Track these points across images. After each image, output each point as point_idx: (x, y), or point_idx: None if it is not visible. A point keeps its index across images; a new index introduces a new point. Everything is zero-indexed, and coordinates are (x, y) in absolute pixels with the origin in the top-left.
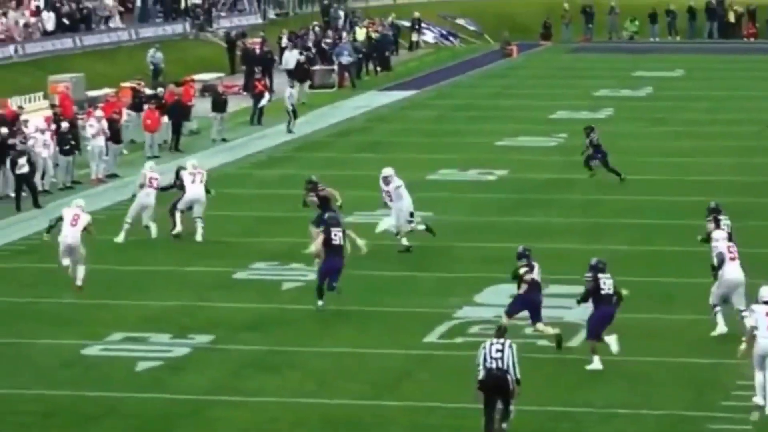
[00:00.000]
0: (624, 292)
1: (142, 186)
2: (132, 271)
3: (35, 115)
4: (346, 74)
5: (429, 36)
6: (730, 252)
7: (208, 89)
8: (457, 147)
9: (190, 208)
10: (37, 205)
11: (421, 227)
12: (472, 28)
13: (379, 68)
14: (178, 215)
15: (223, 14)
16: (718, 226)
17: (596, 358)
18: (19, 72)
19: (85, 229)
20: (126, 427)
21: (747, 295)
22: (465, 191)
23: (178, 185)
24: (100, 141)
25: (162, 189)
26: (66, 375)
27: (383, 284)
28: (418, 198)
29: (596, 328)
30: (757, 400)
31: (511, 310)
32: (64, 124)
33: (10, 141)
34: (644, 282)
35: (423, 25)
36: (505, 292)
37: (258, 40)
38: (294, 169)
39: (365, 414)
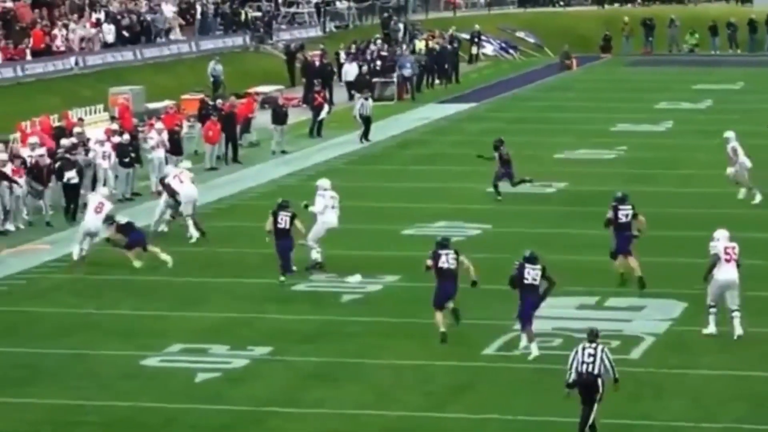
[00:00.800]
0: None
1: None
2: (190, 282)
3: (95, 127)
4: (407, 86)
5: (488, 48)
6: (727, 253)
7: (268, 101)
8: (516, 159)
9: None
10: (74, 218)
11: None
12: (531, 40)
13: (440, 80)
14: (189, 222)
15: (283, 27)
16: (616, 216)
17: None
18: (79, 84)
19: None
20: None
21: (742, 296)
22: (524, 203)
23: (171, 194)
24: (160, 153)
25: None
26: (126, 386)
27: None
28: (477, 210)
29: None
30: None
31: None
32: (125, 136)
33: (59, 153)
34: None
35: (483, 37)
36: (562, 305)
37: (317, 52)
38: (352, 181)
39: (424, 426)
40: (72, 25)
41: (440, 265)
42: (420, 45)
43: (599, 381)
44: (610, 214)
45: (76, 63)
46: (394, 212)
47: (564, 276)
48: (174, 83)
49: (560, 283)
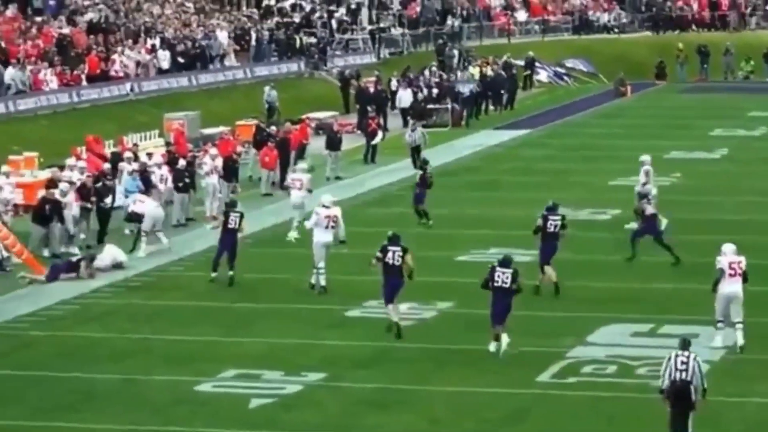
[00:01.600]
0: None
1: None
2: (244, 308)
3: (154, 153)
4: (462, 113)
5: (543, 75)
6: (732, 268)
7: (322, 127)
8: (570, 186)
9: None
10: (101, 240)
11: None
12: (583, 68)
13: (494, 107)
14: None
15: (337, 53)
16: (545, 224)
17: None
18: (135, 110)
19: None
20: None
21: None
22: (578, 230)
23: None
24: (214, 179)
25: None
26: (179, 412)
27: None
28: (529, 237)
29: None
30: None
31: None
32: (181, 162)
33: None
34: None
35: (537, 64)
36: (617, 332)
37: (372, 79)
38: (406, 207)
39: None
40: (127, 51)
41: (386, 260)
42: (474, 71)
43: (691, 388)
44: (539, 222)
45: (132, 89)
46: (448, 238)
47: (618, 303)
48: (228, 109)
49: (614, 310)
